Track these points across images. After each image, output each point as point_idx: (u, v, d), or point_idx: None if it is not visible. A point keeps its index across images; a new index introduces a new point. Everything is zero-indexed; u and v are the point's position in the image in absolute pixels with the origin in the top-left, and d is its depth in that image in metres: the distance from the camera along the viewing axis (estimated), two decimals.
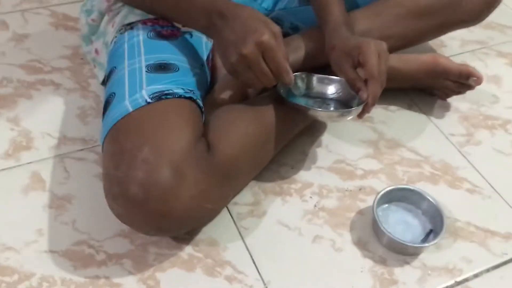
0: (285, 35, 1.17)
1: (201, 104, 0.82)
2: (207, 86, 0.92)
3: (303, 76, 0.91)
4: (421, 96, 1.10)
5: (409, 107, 1.09)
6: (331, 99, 0.91)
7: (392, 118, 1.06)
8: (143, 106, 0.76)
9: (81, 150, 0.93)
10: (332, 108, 0.89)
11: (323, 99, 0.91)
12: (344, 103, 0.90)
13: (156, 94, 0.77)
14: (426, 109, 1.08)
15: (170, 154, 0.71)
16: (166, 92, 0.78)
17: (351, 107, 0.87)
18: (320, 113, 0.84)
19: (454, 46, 1.25)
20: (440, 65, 1.02)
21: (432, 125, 1.05)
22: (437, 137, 1.03)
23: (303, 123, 0.95)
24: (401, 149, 0.99)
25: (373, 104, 0.84)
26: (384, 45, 0.84)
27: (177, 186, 0.70)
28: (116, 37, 0.92)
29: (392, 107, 1.08)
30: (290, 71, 0.81)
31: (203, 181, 0.73)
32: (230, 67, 0.80)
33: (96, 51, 1.00)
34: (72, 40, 1.13)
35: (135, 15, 0.92)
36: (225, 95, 0.90)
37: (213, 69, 0.97)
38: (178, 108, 0.77)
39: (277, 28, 0.79)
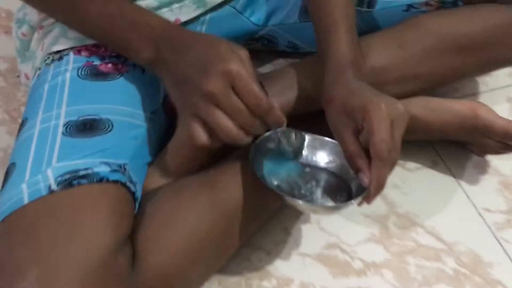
0: (280, 53, 0.93)
1: (133, 189, 0.59)
2: (160, 141, 0.69)
3: (289, 134, 0.67)
4: (450, 149, 0.84)
5: (434, 164, 0.83)
6: (323, 169, 0.67)
7: (409, 181, 0.81)
8: (44, 196, 0.53)
9: None
10: (320, 189, 0.65)
11: (312, 169, 0.67)
12: (339, 178, 0.66)
13: (67, 177, 0.54)
14: (456, 168, 0.83)
15: (68, 283, 0.48)
16: (82, 173, 0.55)
17: (348, 186, 0.63)
18: (301, 205, 0.60)
19: (500, 75, 0.97)
20: (481, 119, 0.75)
21: (462, 193, 0.80)
22: (466, 212, 0.78)
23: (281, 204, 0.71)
24: (417, 230, 0.75)
25: (377, 194, 0.60)
26: (400, 109, 0.59)
27: None
28: (40, 68, 0.69)
29: (411, 164, 0.83)
30: (275, 106, 0.58)
31: None
32: (190, 112, 0.57)
33: (26, 76, 0.77)
34: (11, 48, 0.90)
35: (68, 40, 0.68)
36: (180, 159, 0.66)
37: (173, 113, 0.73)
38: (94, 200, 0.54)
39: (244, 53, 0.58)
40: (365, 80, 0.65)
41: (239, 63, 0.55)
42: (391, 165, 0.59)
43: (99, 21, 0.63)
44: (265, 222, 0.72)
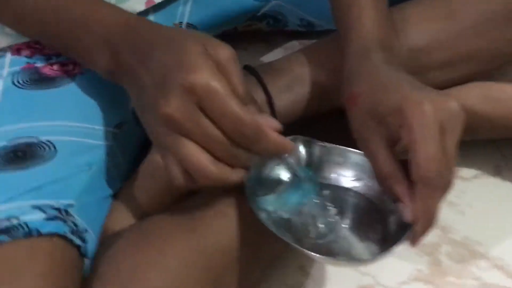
0: (293, 34, 0.75)
1: (78, 241, 0.43)
2: (131, 162, 0.53)
3: (300, 144, 0.49)
4: None
5: (497, 171, 0.64)
6: (347, 190, 0.49)
7: (466, 195, 0.62)
8: None
9: None
10: (346, 221, 0.47)
11: (333, 191, 0.49)
12: (370, 202, 0.48)
13: None
14: None
15: None
16: (3, 225, 0.40)
17: (382, 212, 0.46)
18: (319, 259, 0.43)
19: None
20: None
21: None
22: None
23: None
24: (479, 264, 0.56)
25: (425, 233, 0.42)
26: (454, 108, 0.41)
27: None
28: None
29: (468, 172, 0.64)
30: (268, 128, 0.41)
31: None
32: (157, 143, 0.41)
33: None
34: None
35: (3, 36, 0.52)
36: (152, 191, 0.50)
37: None
38: (18, 266, 0.39)
39: (225, 54, 0.41)
40: (400, 67, 0.47)
41: (208, 72, 0.38)
42: (443, 191, 0.41)
43: (38, 15, 0.47)
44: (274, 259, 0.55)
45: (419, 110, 0.40)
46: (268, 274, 0.54)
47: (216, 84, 0.38)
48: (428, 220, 0.41)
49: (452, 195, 0.60)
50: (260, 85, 0.55)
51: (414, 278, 0.55)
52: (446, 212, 0.60)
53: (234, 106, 0.38)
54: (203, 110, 0.38)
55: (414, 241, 0.42)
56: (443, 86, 0.55)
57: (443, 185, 0.41)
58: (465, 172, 0.64)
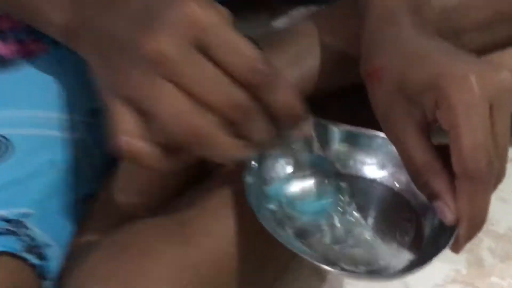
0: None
1: (34, 260, 0.35)
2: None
3: (315, 128, 0.41)
4: None
5: None
6: (370, 181, 0.41)
7: (509, 178, 0.52)
8: None
9: None
10: (369, 220, 0.39)
11: (352, 183, 0.41)
12: (398, 195, 0.40)
13: None
14: None
15: None
16: None
17: (413, 209, 0.38)
18: (335, 274, 0.35)
19: None
20: None
21: None
22: None
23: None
24: None
25: (471, 237, 0.34)
26: (505, 80, 0.32)
27: None
28: None
29: (510, 149, 0.55)
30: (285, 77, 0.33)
31: None
32: (116, 95, 0.32)
33: None
34: None
35: None
36: (135, 188, 0.42)
37: None
38: None
39: (222, 11, 0.32)
40: (433, 32, 0.38)
41: (209, 9, 0.30)
42: (494, 185, 0.33)
43: None
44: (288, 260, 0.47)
45: (462, 86, 0.31)
46: (280, 282, 0.46)
47: (220, 19, 0.30)
48: (475, 222, 0.33)
49: None
50: None
51: (452, 280, 0.46)
52: None
53: (243, 42, 0.30)
54: (201, 50, 0.30)
55: (457, 247, 0.34)
56: (481, 51, 0.46)
57: (492, 179, 0.32)
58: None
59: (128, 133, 0.30)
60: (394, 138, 0.36)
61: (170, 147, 0.31)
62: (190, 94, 0.29)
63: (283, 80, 0.32)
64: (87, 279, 0.35)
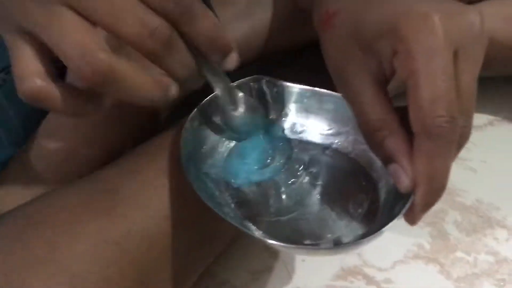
0: None
1: None
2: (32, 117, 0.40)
3: (257, 86, 0.37)
4: None
5: None
6: (323, 148, 0.37)
7: (479, 147, 0.49)
8: None
9: None
10: (319, 189, 0.35)
11: (303, 149, 0.37)
12: (353, 161, 0.36)
13: None
14: None
15: None
16: None
17: (369, 175, 0.35)
18: (281, 247, 0.31)
19: None
20: None
21: None
22: None
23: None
24: (497, 234, 0.44)
25: (429, 204, 0.30)
26: (474, 23, 0.28)
27: None
28: None
29: (480, 118, 0.51)
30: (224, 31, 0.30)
31: None
32: (11, 28, 0.27)
33: None
34: None
35: None
36: (53, 155, 0.37)
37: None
38: None
39: None
40: None
41: None
42: (457, 145, 0.29)
43: None
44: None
45: (422, 27, 0.27)
46: (226, 257, 0.42)
47: None
48: (433, 188, 0.29)
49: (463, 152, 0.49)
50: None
51: (414, 256, 0.43)
52: (452, 169, 0.48)
53: None
54: None
55: (412, 217, 0.30)
56: None
57: (455, 137, 0.28)
58: (475, 118, 0.50)
59: (29, 72, 0.26)
60: (347, 93, 0.32)
61: (81, 87, 0.27)
62: (96, 23, 0.25)
63: (204, 9, 0.27)
64: None
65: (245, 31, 0.41)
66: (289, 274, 0.42)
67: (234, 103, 0.34)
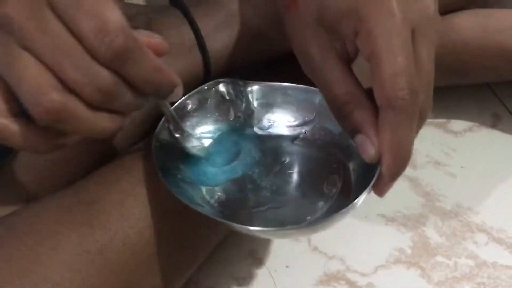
0: None
1: None
2: None
3: (222, 87, 0.38)
4: None
5: (496, 120, 0.52)
6: (290, 138, 0.38)
7: (457, 152, 0.50)
8: None
9: None
10: (293, 177, 0.36)
11: (272, 141, 0.38)
12: (321, 149, 0.37)
13: None
14: None
15: None
16: None
17: (339, 161, 0.36)
18: (260, 233, 0.32)
19: None
20: None
21: None
22: None
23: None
24: (477, 238, 0.44)
25: (395, 176, 0.31)
26: (428, 5, 0.32)
27: None
28: None
29: (458, 124, 0.52)
30: (166, 69, 0.29)
31: None
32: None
33: None
34: None
35: None
36: (37, 164, 0.37)
37: None
38: None
39: None
40: None
41: None
42: (418, 117, 0.30)
43: None
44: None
45: (382, 9, 0.29)
46: (209, 264, 0.42)
47: None
48: (398, 157, 0.30)
49: (439, 153, 0.50)
50: (187, 22, 0.41)
51: (395, 260, 0.43)
52: (432, 175, 0.49)
53: (100, 2, 0.25)
54: (55, 11, 0.26)
55: (381, 188, 0.31)
56: None
57: (416, 109, 0.30)
58: (455, 124, 0.52)
59: None
60: (315, 72, 0.33)
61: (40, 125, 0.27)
62: (39, 58, 0.26)
63: (141, 49, 0.27)
64: None
65: (225, 41, 0.42)
66: (273, 280, 0.42)
67: (179, 128, 0.34)
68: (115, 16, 0.25)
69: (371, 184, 0.30)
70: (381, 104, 0.30)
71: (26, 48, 0.26)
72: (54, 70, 0.26)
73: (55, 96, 0.25)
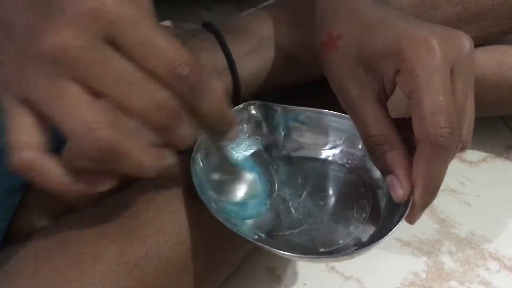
0: None
1: None
2: None
3: (254, 109, 0.40)
4: None
5: (508, 153, 0.54)
6: (324, 162, 0.39)
7: (472, 182, 0.52)
8: None
9: None
10: (324, 202, 0.37)
11: (305, 162, 0.39)
12: (354, 173, 0.39)
13: None
14: None
15: None
16: None
17: (369, 184, 0.37)
18: (292, 258, 0.34)
19: None
20: None
21: None
22: None
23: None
24: (490, 266, 0.46)
25: (426, 204, 0.33)
26: (466, 43, 0.32)
27: None
28: None
29: (473, 154, 0.54)
30: (229, 108, 0.30)
31: None
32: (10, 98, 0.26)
33: None
34: None
35: None
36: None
37: None
38: None
39: None
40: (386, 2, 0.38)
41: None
42: (454, 153, 0.32)
43: None
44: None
45: (424, 48, 0.31)
46: (229, 279, 0.44)
47: (139, 7, 0.26)
48: (430, 188, 0.32)
49: (455, 182, 0.51)
50: (220, 46, 0.43)
51: (410, 283, 0.45)
52: (447, 203, 0.50)
53: (165, 39, 0.26)
54: (115, 48, 0.25)
55: (412, 217, 0.33)
56: None
57: (453, 146, 0.31)
58: (470, 155, 0.53)
59: (27, 145, 0.24)
60: (351, 110, 0.34)
61: (81, 165, 0.25)
62: (101, 97, 0.24)
63: (211, 82, 0.28)
64: (18, 275, 0.32)
65: (254, 67, 0.43)
66: None
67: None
68: (185, 51, 0.26)
69: (405, 215, 0.32)
70: (420, 139, 0.31)
71: (76, 80, 0.24)
72: (113, 98, 0.25)
73: (107, 133, 0.24)
